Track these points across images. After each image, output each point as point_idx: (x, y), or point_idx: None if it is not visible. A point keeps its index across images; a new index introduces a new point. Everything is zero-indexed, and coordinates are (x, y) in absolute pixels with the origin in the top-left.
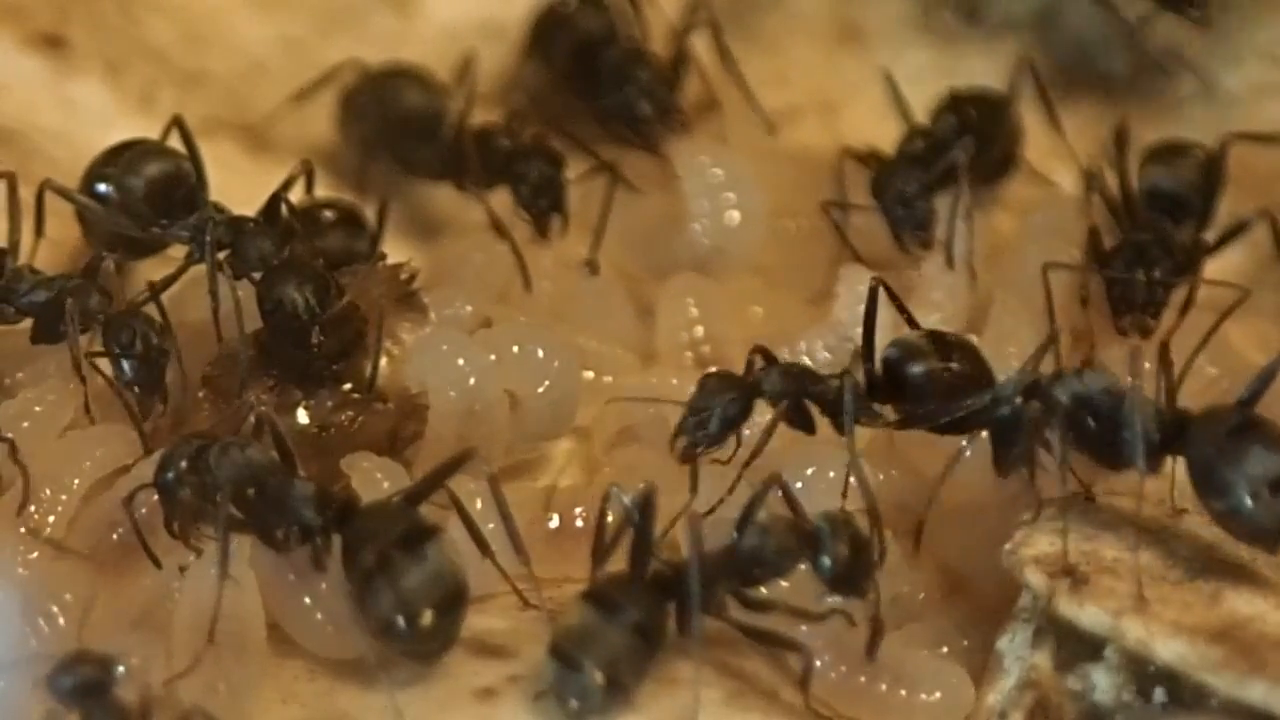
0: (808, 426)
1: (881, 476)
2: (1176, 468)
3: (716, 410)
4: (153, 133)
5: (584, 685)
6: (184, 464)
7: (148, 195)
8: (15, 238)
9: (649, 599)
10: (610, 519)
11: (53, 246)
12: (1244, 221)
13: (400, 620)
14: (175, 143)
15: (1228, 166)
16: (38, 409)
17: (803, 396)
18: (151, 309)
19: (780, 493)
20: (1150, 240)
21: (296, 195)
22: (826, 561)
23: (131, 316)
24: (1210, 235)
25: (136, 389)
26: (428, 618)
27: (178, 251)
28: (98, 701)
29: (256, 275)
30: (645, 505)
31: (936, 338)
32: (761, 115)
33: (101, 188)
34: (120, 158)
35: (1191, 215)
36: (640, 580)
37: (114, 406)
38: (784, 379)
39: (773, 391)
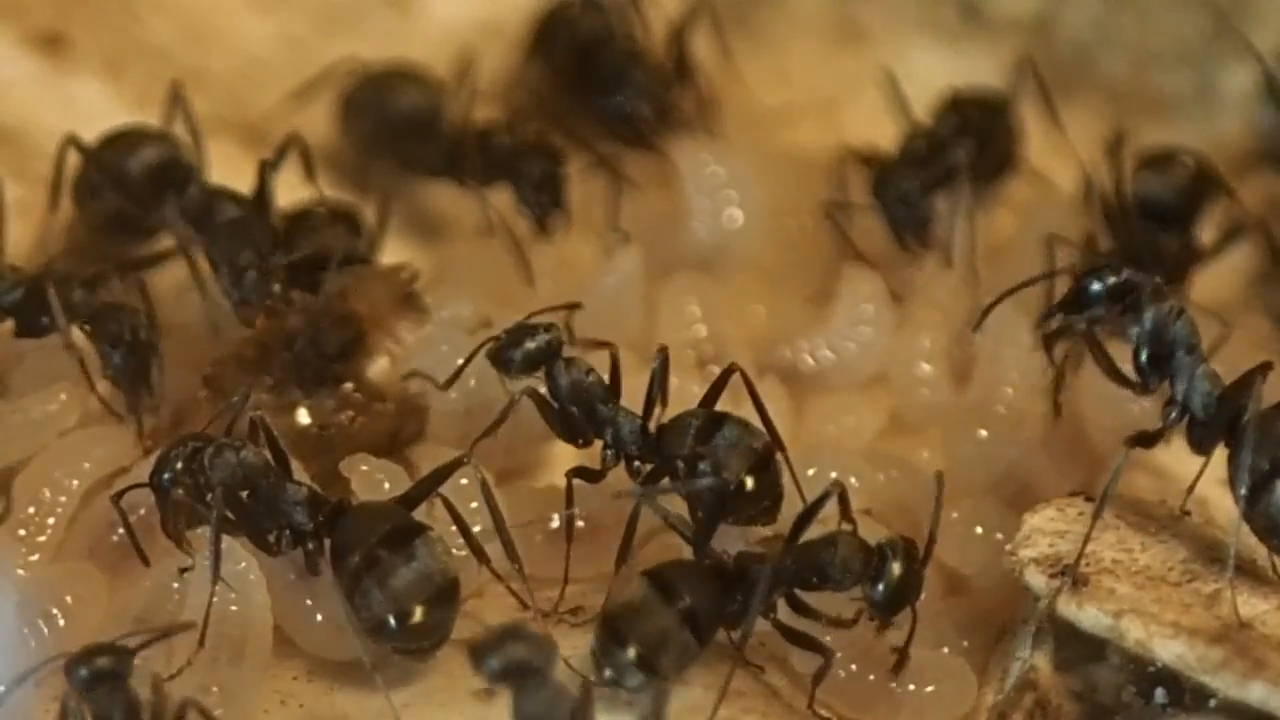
0: (570, 437)
1: (881, 477)
2: (1177, 466)
3: (521, 350)
4: None
5: (622, 662)
6: (179, 465)
7: (143, 178)
8: (1, 238)
9: (709, 593)
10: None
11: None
12: (1237, 227)
13: (391, 618)
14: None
15: (1218, 174)
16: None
17: (588, 413)
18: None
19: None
20: (1140, 245)
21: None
22: (881, 588)
23: (118, 308)
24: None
25: (124, 381)
26: (418, 614)
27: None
28: (111, 693)
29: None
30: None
31: (712, 419)
32: (718, 122)
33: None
34: (117, 141)
35: (1182, 222)
36: (705, 572)
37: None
38: (575, 387)
39: (559, 384)
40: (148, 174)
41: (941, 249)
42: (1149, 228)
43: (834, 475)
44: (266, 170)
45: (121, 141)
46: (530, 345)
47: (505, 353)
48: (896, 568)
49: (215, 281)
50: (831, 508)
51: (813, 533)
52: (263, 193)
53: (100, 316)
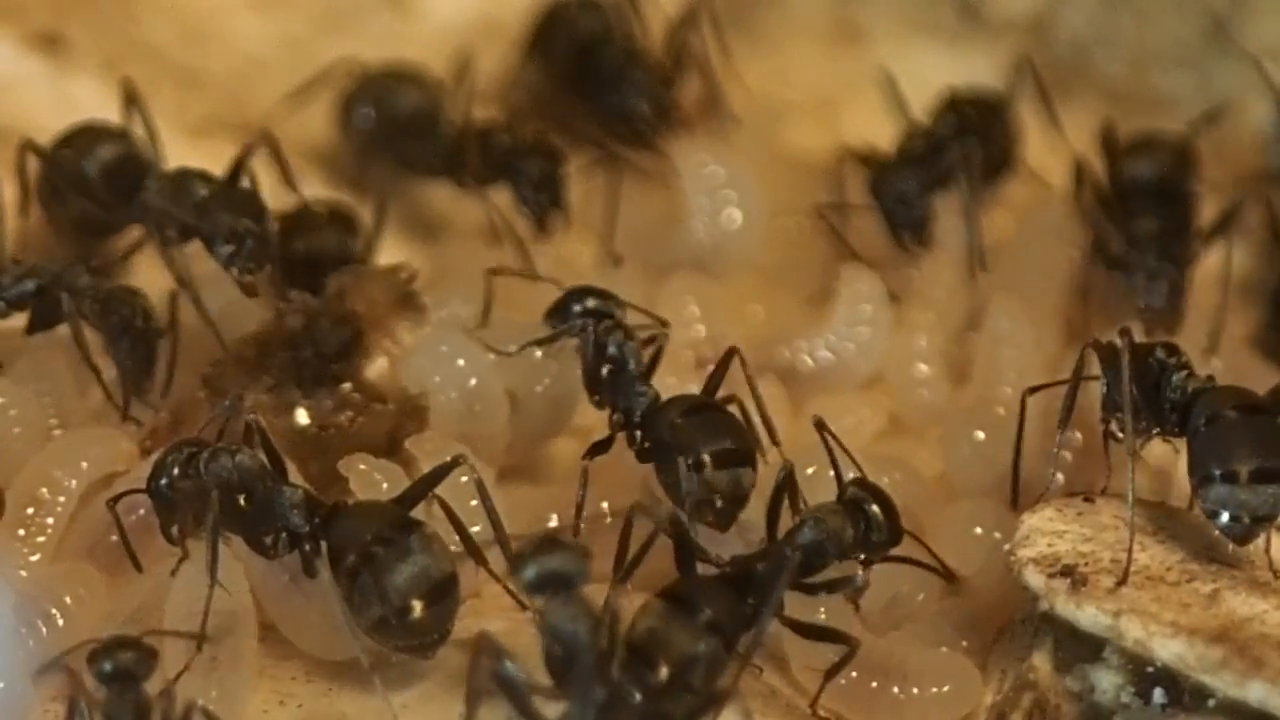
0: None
1: (886, 480)
2: (1176, 467)
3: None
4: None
5: (655, 685)
6: (175, 470)
7: (102, 176)
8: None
9: (726, 601)
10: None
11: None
12: (1240, 202)
13: (390, 615)
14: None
15: (1199, 152)
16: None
17: (614, 376)
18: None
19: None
20: (1158, 228)
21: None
22: (874, 531)
23: (124, 293)
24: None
25: (129, 367)
26: (417, 610)
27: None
28: (127, 689)
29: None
30: (675, 516)
31: (702, 406)
32: (718, 121)
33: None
34: (75, 140)
35: (1176, 203)
36: (717, 581)
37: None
38: (616, 349)
39: (602, 341)
40: (106, 172)
41: (940, 248)
42: (1144, 210)
43: (832, 475)
44: (243, 158)
45: (77, 141)
46: (592, 300)
47: (569, 301)
48: (873, 506)
49: (214, 256)
50: None
51: None
52: (235, 175)
53: (107, 300)
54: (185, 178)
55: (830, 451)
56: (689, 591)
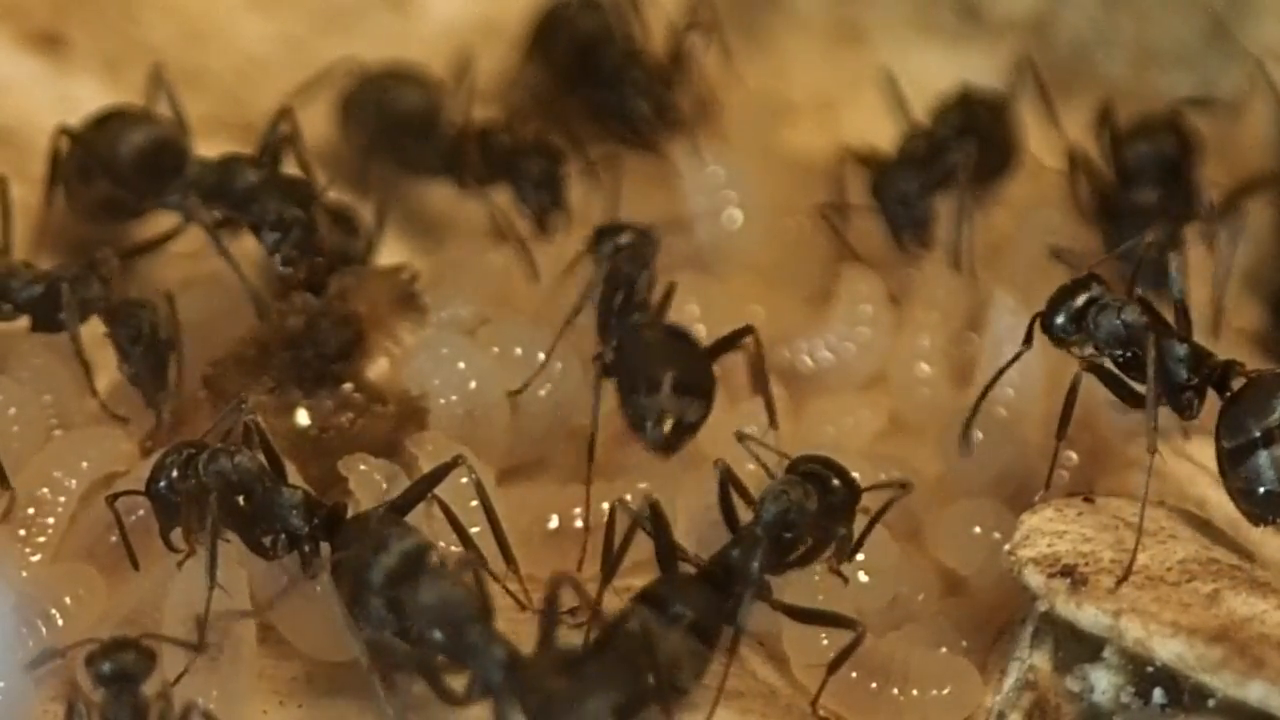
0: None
1: (883, 477)
2: (1176, 467)
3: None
4: None
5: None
6: (174, 472)
7: (135, 160)
8: (8, 237)
9: (703, 597)
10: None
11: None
12: (1258, 178)
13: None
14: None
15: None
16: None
17: (623, 304)
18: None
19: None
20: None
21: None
22: (834, 497)
23: (135, 305)
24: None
25: (142, 376)
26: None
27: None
28: (126, 691)
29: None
30: (656, 511)
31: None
32: (718, 122)
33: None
34: (108, 123)
35: (1179, 182)
36: (692, 581)
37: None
38: (626, 278)
39: (620, 268)
40: (139, 156)
41: (941, 249)
42: (1145, 191)
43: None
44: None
45: (110, 125)
46: (626, 236)
47: (610, 232)
48: (829, 474)
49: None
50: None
51: None
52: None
53: (118, 312)
54: (233, 162)
55: (759, 458)
56: (667, 591)
